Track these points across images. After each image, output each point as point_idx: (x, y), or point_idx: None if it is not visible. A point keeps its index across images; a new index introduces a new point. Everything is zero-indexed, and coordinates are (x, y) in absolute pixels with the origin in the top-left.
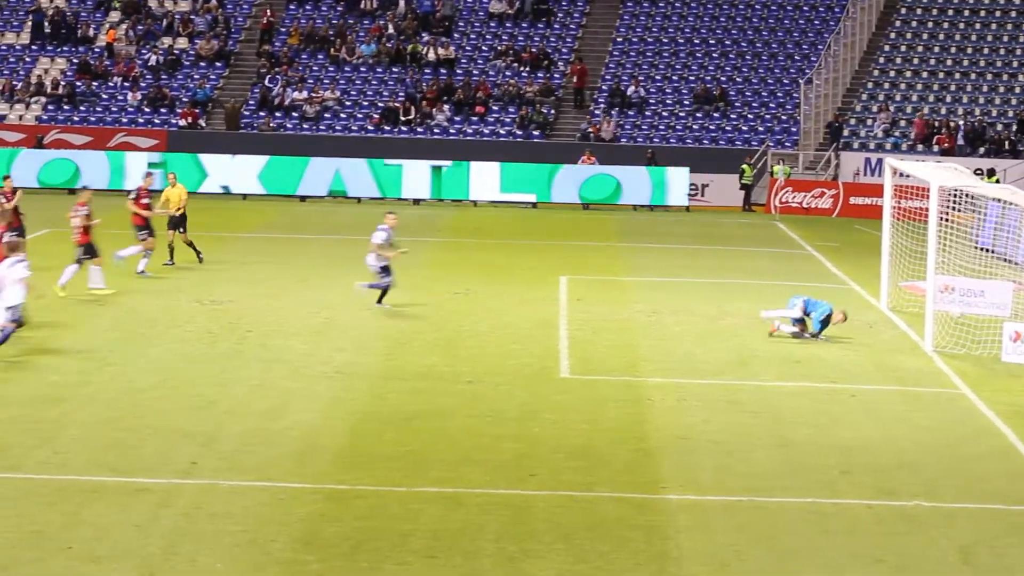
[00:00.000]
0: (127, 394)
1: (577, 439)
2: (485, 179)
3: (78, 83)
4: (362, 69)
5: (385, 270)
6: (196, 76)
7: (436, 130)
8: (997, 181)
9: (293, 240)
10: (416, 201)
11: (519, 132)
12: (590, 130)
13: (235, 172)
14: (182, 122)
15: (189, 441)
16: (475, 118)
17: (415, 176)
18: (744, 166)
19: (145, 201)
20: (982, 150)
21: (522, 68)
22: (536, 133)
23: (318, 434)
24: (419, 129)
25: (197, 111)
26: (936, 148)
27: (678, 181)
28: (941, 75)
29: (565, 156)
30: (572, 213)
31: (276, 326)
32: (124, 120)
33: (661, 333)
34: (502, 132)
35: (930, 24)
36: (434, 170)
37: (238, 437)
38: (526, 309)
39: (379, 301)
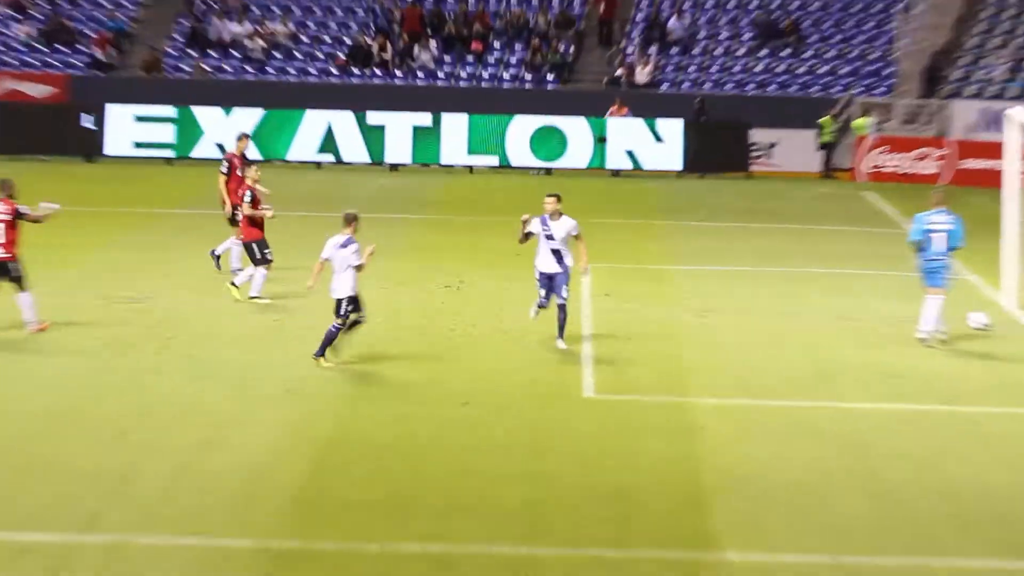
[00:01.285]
0: (9, 422)
1: (605, 480)
2: (480, 138)
3: None
4: None
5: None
6: (106, 4)
7: (420, 74)
8: None
9: None
10: (393, 167)
11: (528, 76)
12: (621, 73)
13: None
14: (97, 53)
15: (91, 485)
16: (470, 58)
17: (394, 135)
18: (823, 120)
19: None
20: None
21: None
22: (551, 78)
23: (263, 475)
24: (398, 73)
25: (110, 43)
26: None
27: (671, 135)
28: None
29: (589, 107)
30: (597, 181)
31: (208, 330)
32: (11, 61)
33: (714, 339)
34: (506, 77)
35: None
36: (417, 129)
37: (157, 479)
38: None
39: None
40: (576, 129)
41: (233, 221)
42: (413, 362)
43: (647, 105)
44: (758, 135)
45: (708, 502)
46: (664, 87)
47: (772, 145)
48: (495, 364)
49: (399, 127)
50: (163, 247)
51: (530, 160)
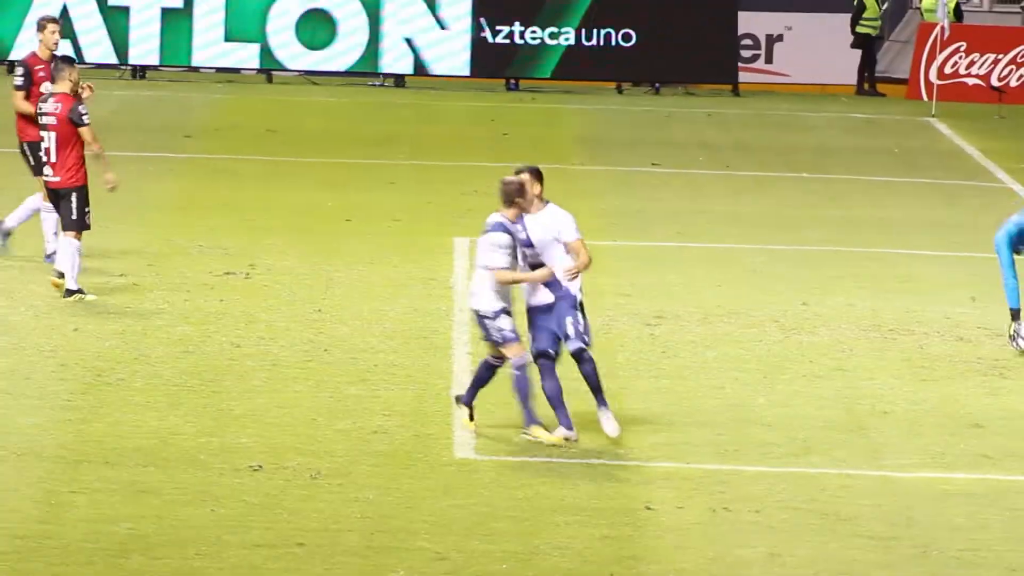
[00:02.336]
0: None
1: None
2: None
3: None
4: None
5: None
6: None
7: None
8: None
9: None
10: (138, 71)
11: None
12: None
13: None
14: None
15: None
16: None
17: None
18: None
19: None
20: None
21: None
22: None
23: None
24: None
25: None
26: None
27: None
28: None
29: None
30: (470, 99)
31: None
32: None
33: (674, 363)
34: None
35: None
36: (165, 12)
37: None
38: (375, 307)
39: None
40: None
41: (40, 167)
42: (171, 397)
43: None
44: (753, 22)
45: None
46: None
47: (775, 38)
48: (313, 404)
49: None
50: None
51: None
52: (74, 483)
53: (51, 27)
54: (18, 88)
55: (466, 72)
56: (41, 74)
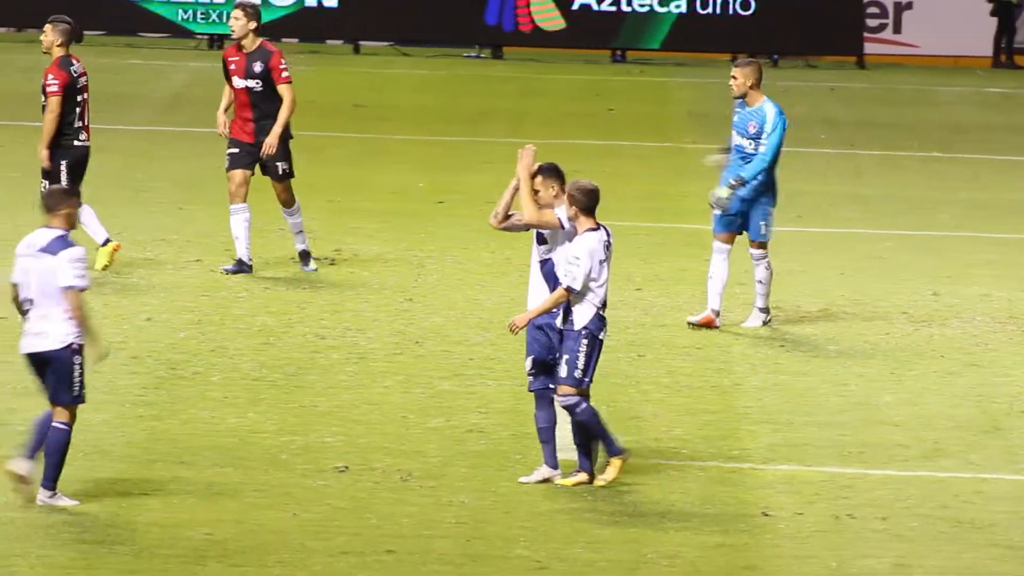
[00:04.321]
0: None
1: None
2: None
3: None
4: None
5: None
6: None
7: None
8: None
9: None
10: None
11: None
12: None
13: None
14: None
15: None
16: None
17: None
18: None
19: None
20: None
21: None
22: None
23: None
24: None
25: None
26: None
27: None
28: None
29: None
30: (574, 72)
31: None
32: None
33: (787, 352)
34: None
35: None
36: None
37: None
38: (469, 296)
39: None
40: None
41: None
42: (250, 392)
43: None
44: None
45: None
46: None
47: (904, 5)
48: (403, 400)
49: None
50: None
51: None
52: (146, 484)
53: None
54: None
55: (569, 42)
56: (232, 67)
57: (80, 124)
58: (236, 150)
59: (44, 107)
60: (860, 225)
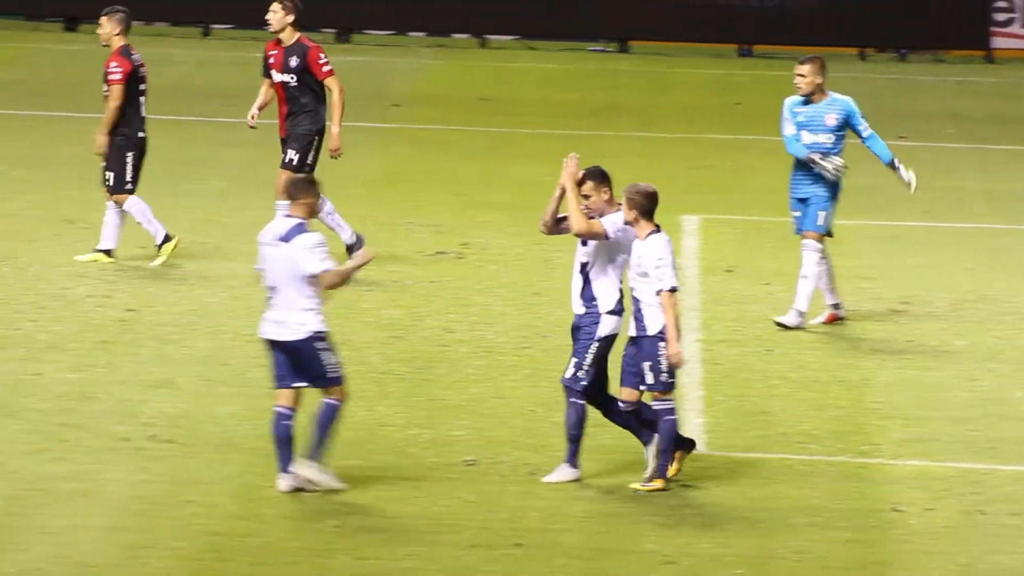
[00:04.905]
0: None
1: None
2: None
3: None
4: None
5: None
6: None
7: None
8: None
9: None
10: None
11: None
12: None
13: None
14: None
15: None
16: None
17: None
18: None
19: None
20: None
21: None
22: None
23: None
24: None
25: None
26: None
27: None
28: None
29: None
30: (701, 66)
31: (6, 326)
32: None
33: (916, 347)
34: None
35: None
36: None
37: None
38: None
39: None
40: None
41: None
42: (379, 385)
43: None
44: None
45: None
46: None
47: None
48: (531, 394)
49: None
50: None
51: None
52: (275, 477)
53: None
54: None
55: (693, 36)
56: (271, 60)
57: (142, 115)
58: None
59: (106, 96)
60: (990, 220)
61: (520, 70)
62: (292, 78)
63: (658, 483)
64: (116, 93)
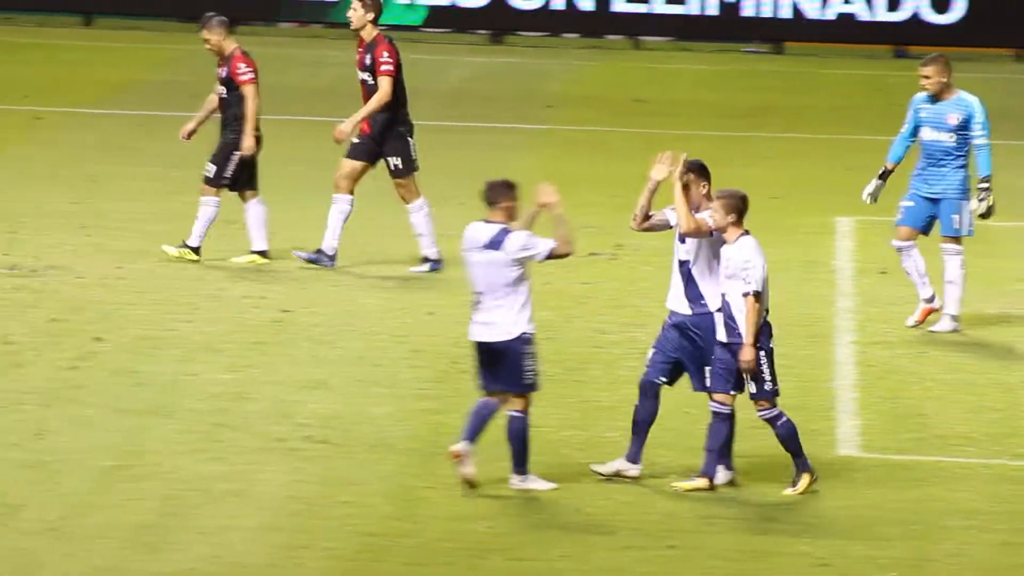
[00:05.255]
0: None
1: None
2: None
3: None
4: None
5: None
6: None
7: None
8: None
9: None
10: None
11: None
12: None
13: None
14: None
15: None
16: None
17: None
18: None
19: None
20: None
21: None
22: None
23: None
24: None
25: None
26: None
27: None
28: None
29: None
30: (854, 67)
31: (149, 327)
32: None
33: None
34: None
35: None
36: None
37: None
38: None
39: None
40: None
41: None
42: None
43: None
44: None
45: None
46: None
47: None
48: (684, 396)
49: None
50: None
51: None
52: (429, 477)
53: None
54: None
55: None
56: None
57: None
58: (356, 140)
59: (237, 97)
60: None
61: (673, 71)
62: (368, 76)
63: (703, 482)
64: (252, 92)
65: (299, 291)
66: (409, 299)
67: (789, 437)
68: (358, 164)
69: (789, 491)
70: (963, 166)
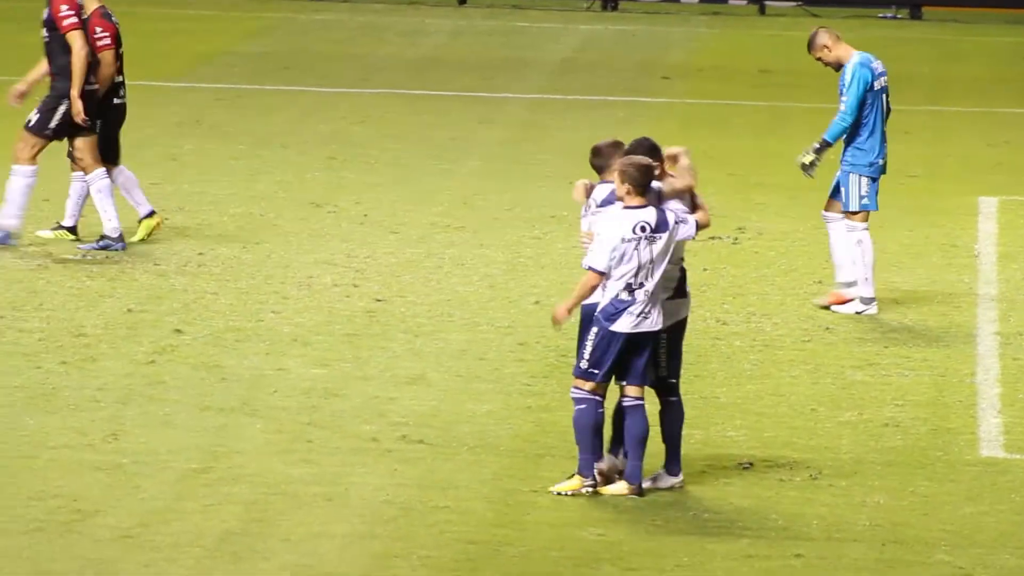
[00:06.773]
0: None
1: None
2: None
3: None
4: None
5: None
6: None
7: None
8: None
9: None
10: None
11: None
12: None
13: None
14: None
15: None
16: None
17: None
18: None
19: None
20: None
21: None
22: None
23: None
24: None
25: None
26: None
27: None
28: None
29: None
30: (997, 34)
31: (233, 319)
32: None
33: None
34: None
35: None
36: None
37: None
38: (885, 278)
39: None
40: None
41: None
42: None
43: None
44: None
45: None
46: None
47: None
48: (812, 391)
49: None
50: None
51: None
52: (535, 481)
53: None
54: None
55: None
56: None
57: (121, 79)
58: None
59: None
60: None
61: (801, 39)
62: None
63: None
64: (109, 59)
65: (394, 279)
66: (515, 288)
67: (578, 428)
68: None
69: (552, 489)
70: None
